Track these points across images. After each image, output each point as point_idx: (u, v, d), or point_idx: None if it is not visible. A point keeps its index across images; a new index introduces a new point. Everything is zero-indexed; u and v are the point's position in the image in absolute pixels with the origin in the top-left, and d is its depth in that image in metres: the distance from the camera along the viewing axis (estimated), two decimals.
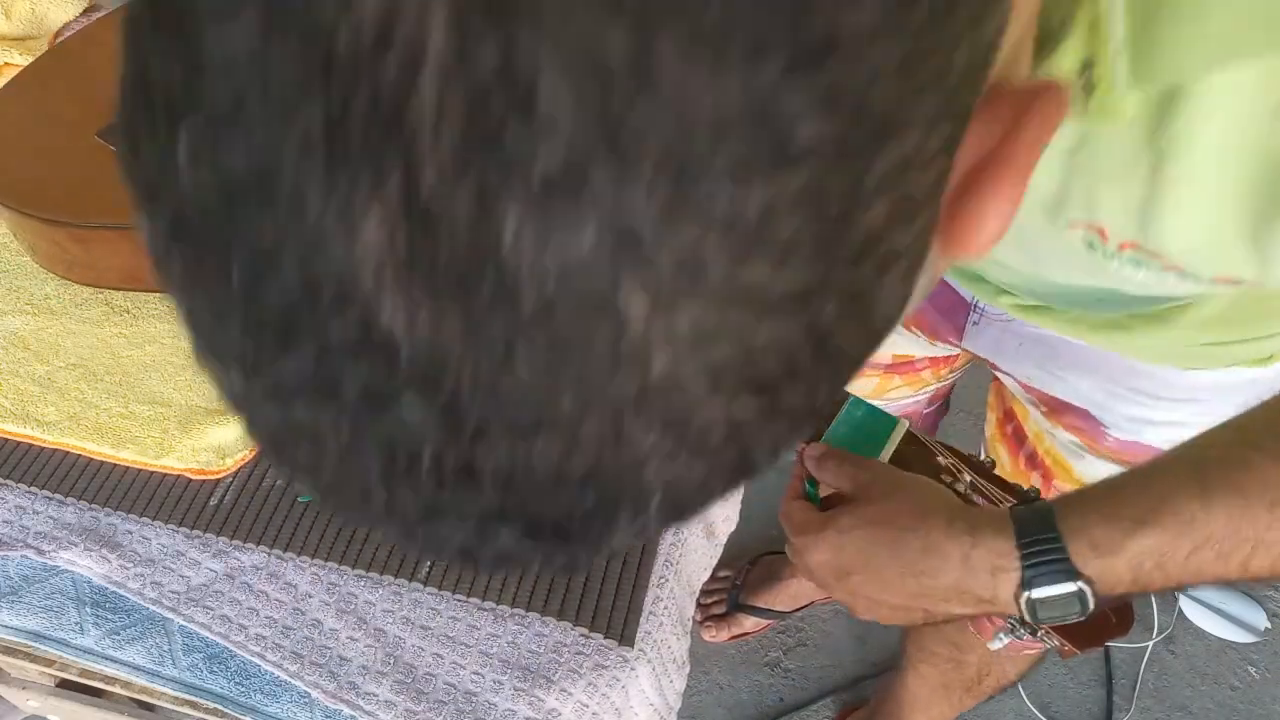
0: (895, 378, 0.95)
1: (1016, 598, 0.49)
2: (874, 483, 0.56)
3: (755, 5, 0.17)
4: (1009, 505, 0.54)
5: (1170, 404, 0.72)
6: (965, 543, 0.50)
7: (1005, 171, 0.24)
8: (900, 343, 0.90)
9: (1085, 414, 0.77)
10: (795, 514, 0.59)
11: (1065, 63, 0.35)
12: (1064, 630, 0.53)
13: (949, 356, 0.94)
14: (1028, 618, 0.49)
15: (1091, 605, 0.48)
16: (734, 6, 0.17)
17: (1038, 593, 0.48)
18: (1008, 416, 0.86)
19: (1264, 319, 0.62)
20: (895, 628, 1.27)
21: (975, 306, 0.79)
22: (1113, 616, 0.53)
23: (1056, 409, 0.79)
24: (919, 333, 0.87)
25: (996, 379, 0.88)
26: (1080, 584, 0.47)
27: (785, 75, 0.17)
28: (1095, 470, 0.78)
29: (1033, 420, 0.83)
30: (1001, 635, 0.56)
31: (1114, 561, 0.47)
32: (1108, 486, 0.50)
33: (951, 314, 0.82)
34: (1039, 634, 0.54)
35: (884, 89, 0.18)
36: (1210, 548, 0.45)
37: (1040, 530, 0.49)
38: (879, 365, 0.94)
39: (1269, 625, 1.50)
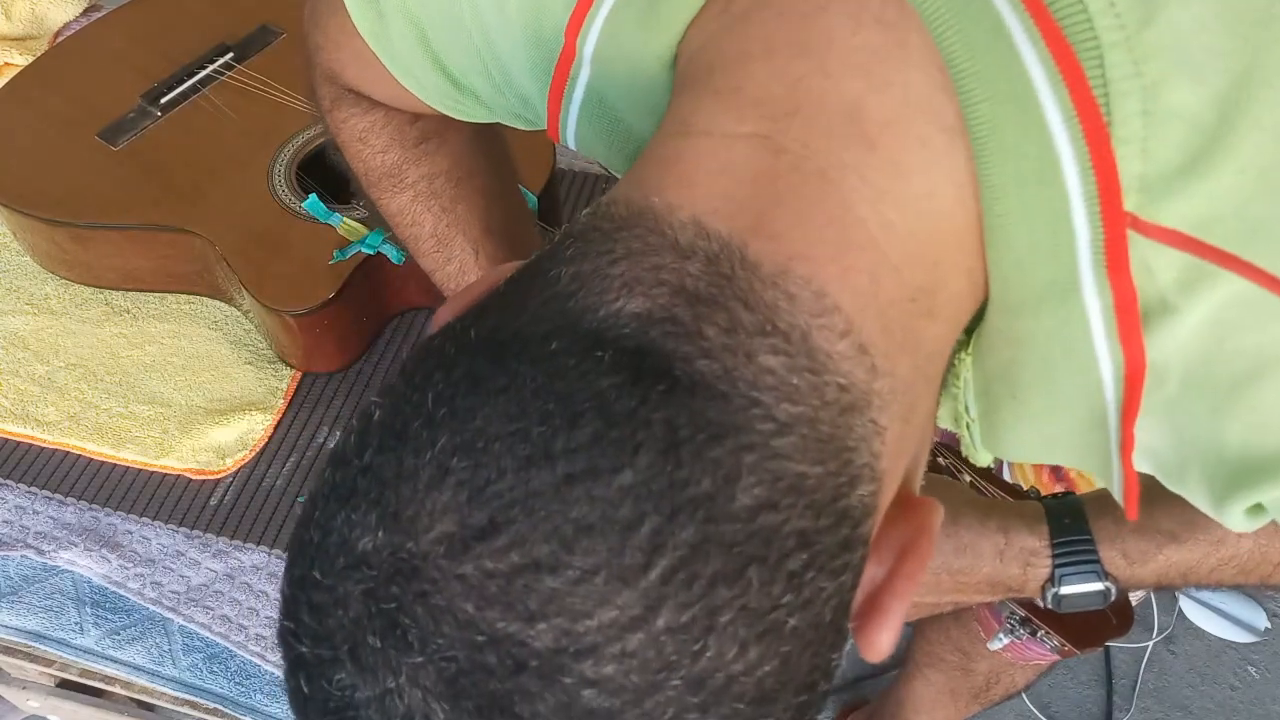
0: None
1: (1043, 589, 0.50)
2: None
3: None
4: (1040, 499, 0.54)
5: None
6: (999, 540, 0.51)
7: (892, 604, 0.30)
8: None
9: None
10: None
11: (945, 412, 0.40)
12: (1064, 630, 0.53)
13: None
14: (1049, 606, 0.50)
15: (1112, 599, 0.49)
16: None
17: (1065, 589, 0.49)
18: None
19: None
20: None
21: None
22: (1113, 617, 0.53)
23: None
24: None
25: None
26: (1107, 584, 0.49)
27: None
28: None
29: None
30: (1001, 636, 0.56)
31: (1142, 570, 0.48)
32: (1145, 496, 0.50)
33: None
34: (1039, 634, 0.54)
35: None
36: (1234, 565, 0.47)
37: (1074, 531, 0.50)
38: None
39: (1269, 625, 1.50)
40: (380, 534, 0.25)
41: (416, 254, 0.60)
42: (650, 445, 0.25)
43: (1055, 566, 0.49)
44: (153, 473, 0.77)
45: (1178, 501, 0.48)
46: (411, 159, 0.56)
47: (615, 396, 0.25)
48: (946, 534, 0.52)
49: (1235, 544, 0.47)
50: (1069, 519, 0.50)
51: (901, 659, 1.26)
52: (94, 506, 0.75)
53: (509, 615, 0.24)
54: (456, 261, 0.59)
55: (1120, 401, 0.33)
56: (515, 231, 0.62)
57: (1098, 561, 0.49)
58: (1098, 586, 0.48)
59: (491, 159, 0.61)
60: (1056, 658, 0.57)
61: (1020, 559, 0.50)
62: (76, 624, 0.73)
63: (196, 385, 0.81)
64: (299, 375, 0.82)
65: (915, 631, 1.22)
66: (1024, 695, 1.43)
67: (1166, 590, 0.48)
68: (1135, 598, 0.71)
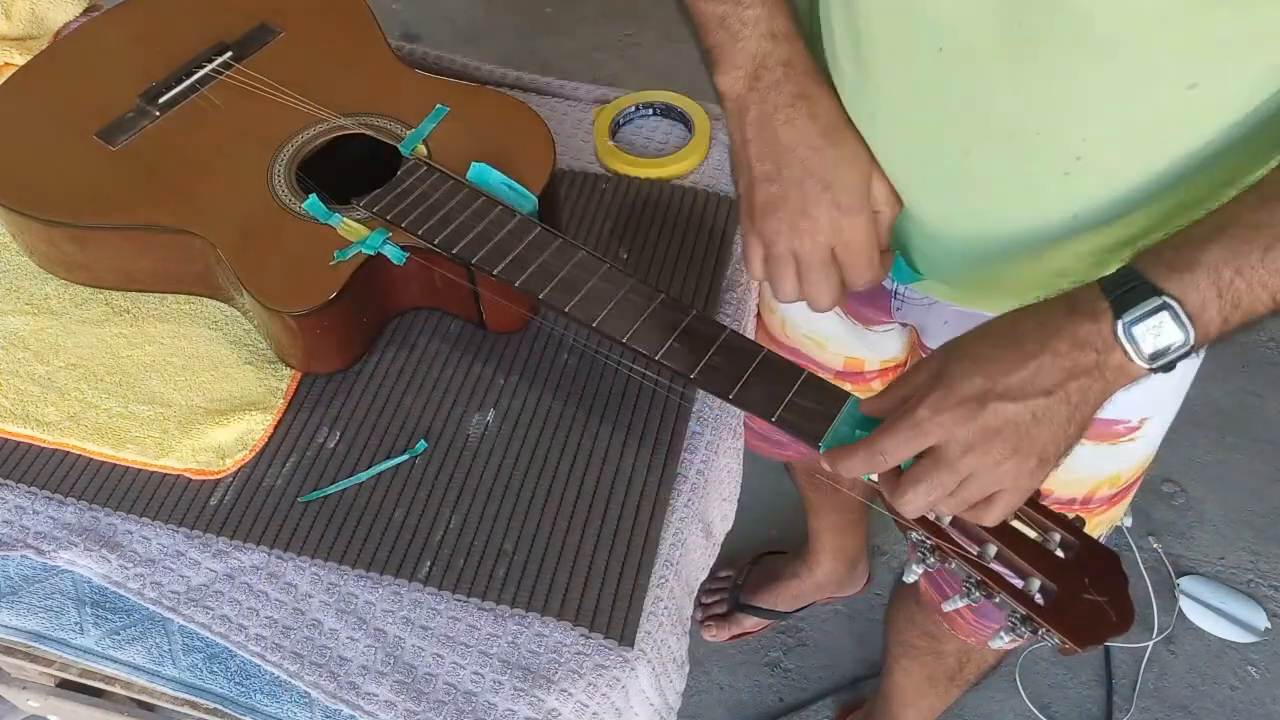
0: (846, 383, 0.96)
1: (1117, 334, 0.52)
2: (946, 354, 0.56)
3: None
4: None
5: None
6: (1063, 305, 0.54)
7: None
8: (848, 341, 0.91)
9: None
10: (883, 402, 0.58)
11: None
12: (1064, 628, 0.53)
13: (897, 365, 0.95)
14: (1137, 359, 0.52)
15: (1192, 331, 0.51)
16: None
17: (1129, 316, 0.51)
18: None
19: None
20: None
21: (896, 293, 0.80)
22: (1113, 614, 0.53)
23: None
24: (852, 320, 0.88)
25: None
26: (1165, 298, 0.51)
27: None
28: None
29: None
30: (1003, 635, 0.56)
31: (1193, 277, 0.51)
32: (1175, 230, 0.53)
33: (873, 299, 0.83)
34: (1040, 632, 0.54)
35: None
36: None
37: (1119, 274, 0.53)
38: (829, 370, 0.94)
39: (1269, 625, 1.50)
40: None
41: None
42: None
43: (1112, 301, 0.52)
44: (153, 473, 0.77)
45: (1209, 216, 0.53)
46: None
47: None
48: (1020, 315, 0.55)
49: (1271, 224, 0.50)
50: (1115, 272, 0.53)
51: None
52: (94, 506, 0.75)
53: None
54: None
55: None
56: None
57: (1147, 280, 0.51)
58: (1156, 302, 0.50)
59: None
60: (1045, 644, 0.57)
61: (1088, 308, 0.52)
62: (76, 624, 0.73)
63: (196, 385, 0.81)
64: (299, 375, 0.82)
65: (886, 623, 1.23)
66: (1024, 695, 1.43)
67: (1244, 316, 0.52)
68: (1135, 597, 0.71)
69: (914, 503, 0.54)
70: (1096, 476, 0.80)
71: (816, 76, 0.64)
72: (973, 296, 0.74)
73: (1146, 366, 0.52)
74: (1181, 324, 0.51)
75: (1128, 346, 0.52)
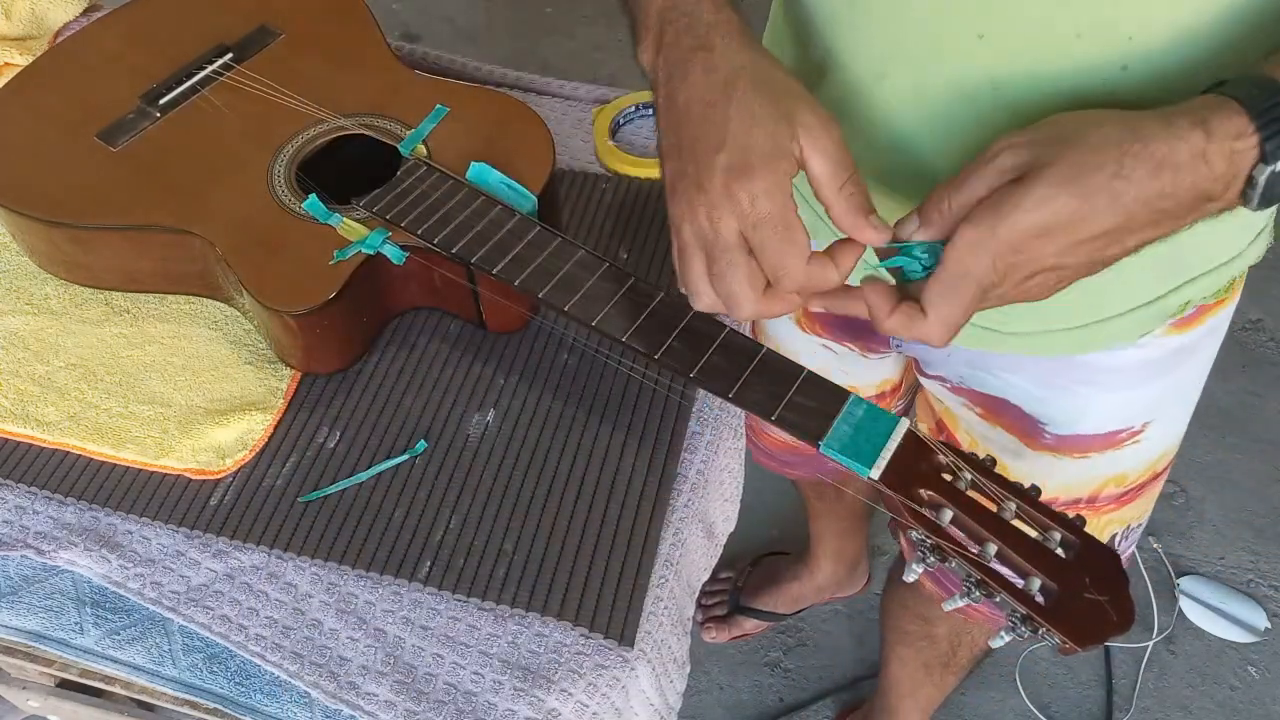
0: None
1: (1254, 181, 0.43)
2: (1032, 145, 0.46)
3: None
4: (1222, 91, 0.45)
5: (1104, 391, 0.72)
6: (1197, 139, 0.43)
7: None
8: (836, 372, 0.89)
9: (1020, 412, 0.76)
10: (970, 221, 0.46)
11: None
12: (1064, 627, 0.53)
13: (893, 388, 0.94)
14: (1257, 200, 0.43)
15: None
16: None
17: None
18: (939, 427, 0.86)
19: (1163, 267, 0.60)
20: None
21: None
22: (1113, 614, 0.53)
23: (993, 409, 0.78)
24: (852, 347, 0.87)
25: (922, 389, 0.88)
26: None
27: None
28: (1033, 467, 0.78)
29: (963, 428, 0.83)
30: (1003, 634, 0.56)
31: None
32: None
33: (871, 331, 0.82)
34: (1040, 631, 0.54)
35: None
36: None
37: (1271, 94, 0.43)
38: None
39: (1269, 625, 1.50)
40: None
41: None
42: None
43: (1266, 138, 0.42)
44: (153, 473, 0.77)
45: None
46: None
47: None
48: (1135, 154, 0.44)
49: None
50: (1252, 85, 0.43)
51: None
52: (94, 506, 0.75)
53: None
54: None
55: None
56: None
57: None
58: None
59: None
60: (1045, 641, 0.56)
61: (1225, 150, 0.43)
62: (76, 624, 0.73)
63: (196, 385, 0.81)
64: (299, 375, 0.82)
65: (882, 613, 1.23)
66: (1024, 695, 1.43)
67: None
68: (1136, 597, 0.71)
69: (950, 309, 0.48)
70: (1101, 477, 0.80)
71: (723, 25, 0.51)
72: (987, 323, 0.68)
73: (1253, 209, 0.44)
74: None
75: (1258, 193, 0.43)
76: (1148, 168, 0.43)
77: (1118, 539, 0.85)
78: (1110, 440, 0.76)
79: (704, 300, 0.54)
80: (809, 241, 0.51)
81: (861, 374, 0.91)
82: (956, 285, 0.47)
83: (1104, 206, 0.44)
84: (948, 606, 0.59)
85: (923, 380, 0.84)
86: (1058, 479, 0.79)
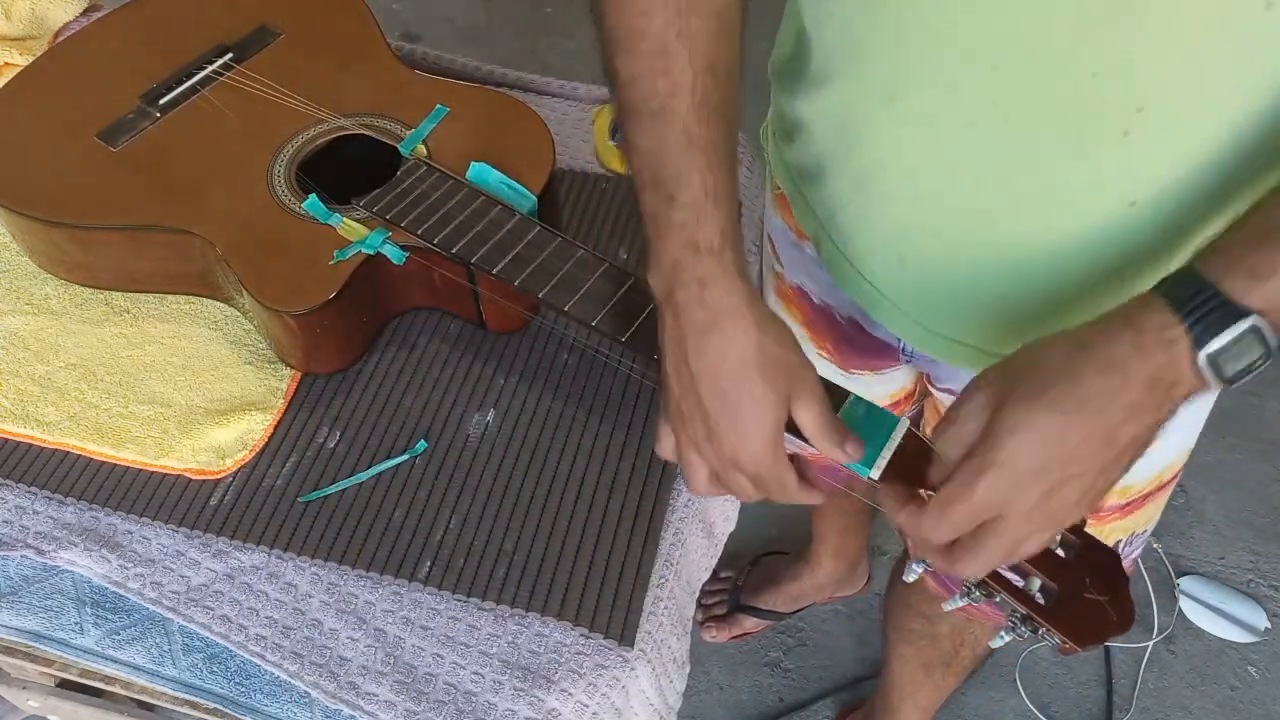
0: None
1: (1196, 366, 0.45)
2: (1009, 374, 0.50)
3: None
4: (1150, 291, 0.49)
5: None
6: (1128, 338, 0.47)
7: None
8: (861, 387, 0.88)
9: None
10: (948, 490, 0.50)
11: None
12: (1064, 627, 0.53)
13: (907, 395, 0.93)
14: (1214, 380, 0.46)
15: (1274, 341, 0.45)
16: None
17: (1214, 345, 0.45)
18: None
19: None
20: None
21: (904, 349, 0.78)
22: (1113, 614, 0.53)
23: None
24: (863, 373, 0.87)
25: (931, 398, 0.87)
26: (1253, 319, 0.44)
27: None
28: None
29: None
30: (1003, 634, 0.56)
31: (1277, 282, 0.44)
32: (1237, 225, 0.47)
33: (880, 353, 0.81)
34: (1040, 631, 0.54)
35: None
36: None
37: (1192, 286, 0.46)
38: None
39: (1269, 625, 1.50)
40: None
41: (627, 55, 0.55)
42: None
43: (1191, 328, 0.45)
44: (153, 473, 0.77)
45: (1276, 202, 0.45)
46: None
47: None
48: (1079, 366, 0.48)
49: None
50: (1183, 283, 0.46)
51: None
52: (94, 506, 0.75)
53: None
54: (671, 79, 0.54)
55: None
56: (730, 93, 0.56)
57: (1229, 300, 0.44)
58: (1244, 325, 0.44)
59: (736, 7, 0.56)
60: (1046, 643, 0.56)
61: (1160, 340, 0.46)
62: (76, 624, 0.73)
63: (196, 385, 0.81)
64: (299, 375, 0.82)
65: (885, 613, 1.23)
66: (1024, 695, 1.43)
67: None
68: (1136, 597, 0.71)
69: (972, 570, 0.51)
70: None
71: (734, 303, 0.55)
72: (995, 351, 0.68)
73: (1221, 387, 0.46)
74: (1264, 339, 0.45)
75: (1209, 376, 0.45)
76: (1095, 369, 0.47)
77: (1121, 545, 0.83)
78: None
79: (703, 493, 0.61)
80: (795, 482, 0.59)
81: (875, 389, 0.90)
82: (950, 506, 0.51)
83: (1072, 409, 0.48)
84: (948, 606, 0.59)
85: (934, 390, 0.84)
86: None
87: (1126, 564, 0.86)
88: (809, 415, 0.57)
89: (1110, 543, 0.80)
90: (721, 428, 0.56)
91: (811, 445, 0.58)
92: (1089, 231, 0.56)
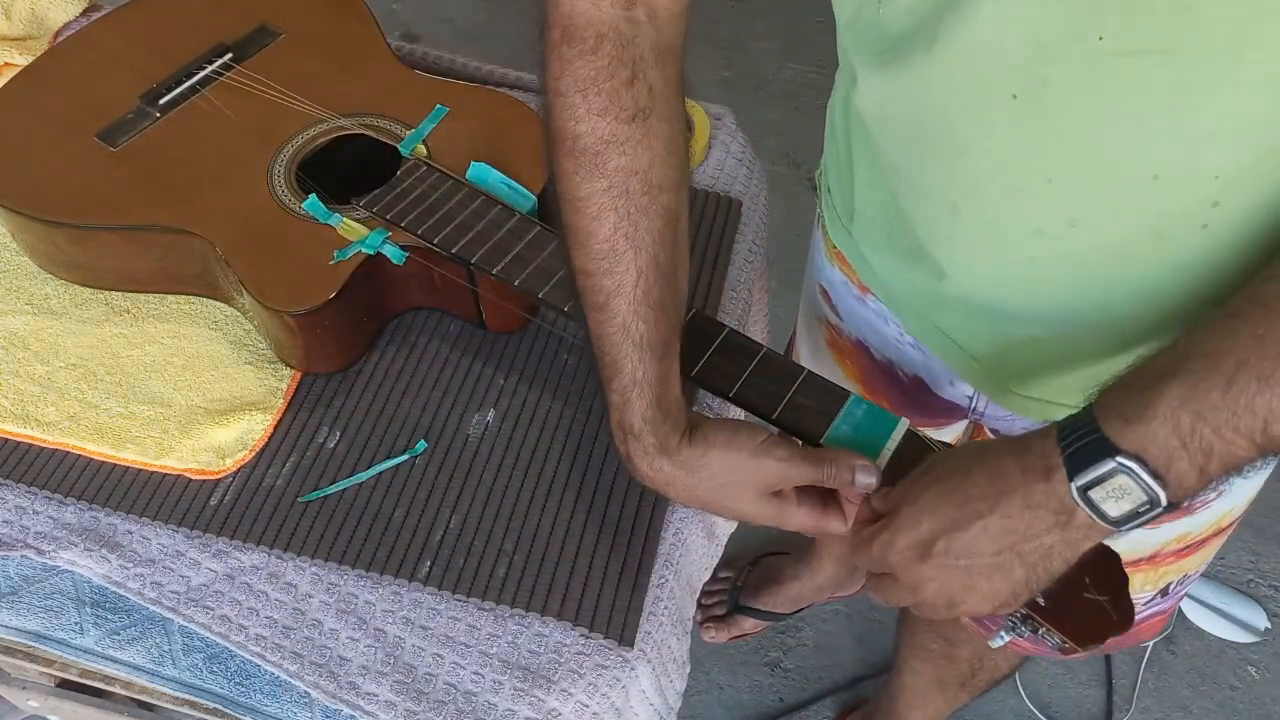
0: None
1: (1073, 498, 0.46)
2: (927, 465, 0.55)
3: None
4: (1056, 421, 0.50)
5: None
6: (1017, 455, 0.48)
7: None
8: None
9: None
10: (860, 529, 0.56)
11: None
12: (1065, 627, 0.53)
13: (955, 439, 0.93)
14: (1104, 523, 0.46)
15: (1161, 491, 0.44)
16: None
17: (1082, 479, 0.45)
18: None
19: None
20: (893, 630, 1.27)
21: (974, 409, 0.78)
22: (1114, 614, 0.53)
23: None
24: (921, 427, 0.86)
25: (979, 428, 0.87)
26: (1120, 459, 0.44)
27: None
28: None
29: None
30: (1003, 634, 0.56)
31: (1151, 429, 0.43)
32: (1134, 365, 0.47)
33: (948, 413, 0.81)
34: (1040, 631, 0.54)
35: None
36: (1245, 374, 0.41)
37: (1077, 420, 0.47)
38: None
39: (1269, 625, 1.50)
40: None
41: (580, 251, 0.59)
42: None
43: (1065, 457, 0.46)
44: (153, 473, 0.77)
45: (1172, 344, 0.45)
46: (619, 139, 0.56)
47: None
48: (975, 468, 0.50)
49: (1232, 350, 0.42)
50: (1076, 415, 0.47)
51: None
52: (94, 506, 0.75)
53: None
54: (616, 279, 0.59)
55: None
56: (673, 284, 0.61)
57: (1102, 436, 0.44)
58: (1110, 465, 0.44)
59: (679, 192, 0.61)
60: (1056, 653, 0.56)
61: (1039, 466, 0.47)
62: (76, 624, 0.73)
63: (196, 385, 0.81)
64: (299, 375, 0.82)
65: (900, 623, 1.23)
66: (1024, 695, 1.43)
67: (1221, 465, 0.43)
68: (1137, 597, 0.70)
69: (878, 601, 0.56)
70: (1164, 539, 0.75)
71: (657, 476, 0.61)
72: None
73: (1119, 530, 0.46)
74: (1145, 485, 0.44)
75: (1088, 511, 0.46)
76: (985, 474, 0.50)
77: (1173, 586, 0.81)
78: (1183, 509, 0.74)
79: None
80: (816, 514, 0.62)
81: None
82: (857, 551, 0.56)
83: (956, 503, 0.51)
84: (995, 644, 0.59)
85: (988, 430, 0.83)
86: (1120, 544, 0.78)
87: (1170, 604, 0.84)
88: (793, 474, 0.60)
89: (1162, 584, 0.79)
90: (724, 515, 0.65)
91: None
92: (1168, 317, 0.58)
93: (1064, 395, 0.68)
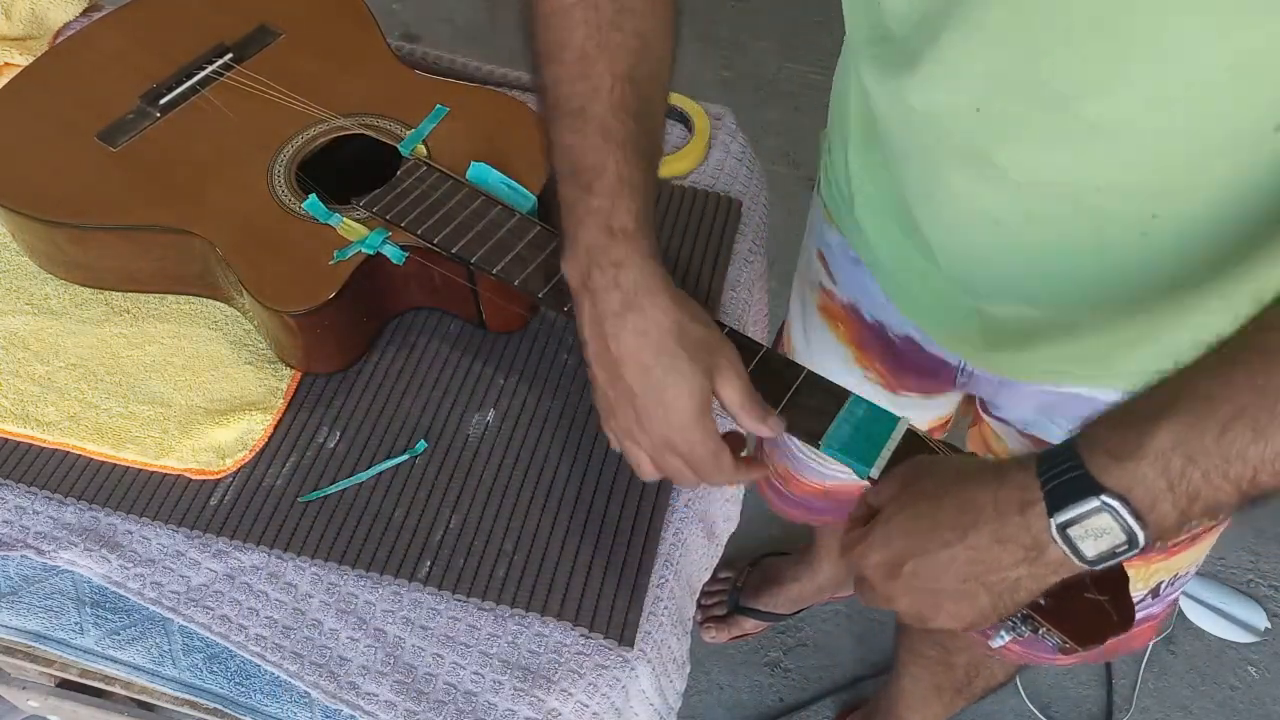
0: None
1: (1050, 534, 0.45)
2: (910, 474, 0.55)
3: None
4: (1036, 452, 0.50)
5: None
6: (992, 486, 0.48)
7: None
8: (903, 410, 0.88)
9: None
10: (853, 527, 0.57)
11: None
12: (1065, 627, 0.53)
13: (943, 423, 0.93)
14: (1078, 560, 0.46)
15: (1141, 533, 0.43)
16: None
17: (1062, 516, 0.45)
18: None
19: None
20: (893, 630, 1.27)
21: (962, 369, 0.78)
22: (1114, 613, 0.53)
23: None
24: (911, 394, 0.86)
25: (978, 424, 0.87)
26: (1104, 498, 0.43)
27: None
28: None
29: None
30: (1003, 633, 0.56)
31: (1138, 467, 0.43)
32: (1129, 397, 0.46)
33: (935, 375, 0.81)
34: (1040, 631, 0.54)
35: None
36: (1241, 422, 0.41)
37: (1059, 453, 0.46)
38: None
39: (1269, 625, 1.50)
40: None
41: (551, 64, 0.60)
42: None
43: (1046, 493, 0.45)
44: (153, 473, 0.77)
45: (1164, 382, 0.45)
46: None
47: None
48: (949, 493, 0.50)
49: (1228, 396, 0.41)
50: (1058, 448, 0.47)
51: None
52: (94, 506, 0.75)
53: None
54: (591, 83, 0.58)
55: None
56: (651, 101, 0.59)
57: (1086, 473, 0.44)
58: (1094, 503, 0.44)
59: (651, 18, 0.60)
60: (1060, 656, 0.56)
61: (1015, 499, 0.47)
62: (76, 624, 0.73)
63: (196, 385, 0.81)
64: (299, 375, 0.82)
65: (898, 630, 1.23)
66: (1024, 695, 1.43)
67: (1205, 509, 0.42)
68: (1137, 597, 0.70)
69: (862, 603, 0.57)
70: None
71: (649, 283, 0.57)
72: (1069, 361, 0.68)
73: (1091, 568, 0.46)
74: (1126, 525, 0.43)
75: (1064, 548, 0.45)
76: (955, 503, 0.50)
77: (1163, 586, 0.80)
78: (1156, 550, 0.73)
79: (649, 477, 0.62)
80: (730, 459, 0.60)
81: (916, 414, 0.90)
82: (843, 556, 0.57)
83: (925, 529, 0.51)
84: (995, 644, 0.59)
85: (988, 419, 0.83)
86: None
87: (1164, 606, 0.84)
88: (731, 390, 0.59)
89: (1152, 584, 0.79)
90: (649, 407, 0.58)
91: (735, 419, 0.60)
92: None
93: (1044, 364, 0.69)
